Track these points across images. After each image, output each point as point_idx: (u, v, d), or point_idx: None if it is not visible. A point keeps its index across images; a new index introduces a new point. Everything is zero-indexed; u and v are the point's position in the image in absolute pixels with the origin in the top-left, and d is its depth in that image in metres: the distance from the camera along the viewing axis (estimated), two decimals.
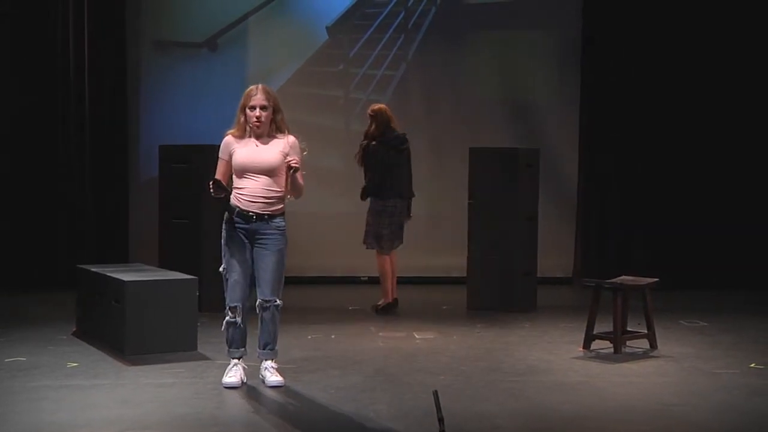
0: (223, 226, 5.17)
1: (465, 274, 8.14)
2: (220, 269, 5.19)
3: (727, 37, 9.22)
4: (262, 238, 5.13)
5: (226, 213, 5.14)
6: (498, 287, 7.81)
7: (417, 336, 6.75)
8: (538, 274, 8.13)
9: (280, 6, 9.75)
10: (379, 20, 9.75)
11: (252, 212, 5.10)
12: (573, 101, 9.52)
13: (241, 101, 5.22)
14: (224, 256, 5.17)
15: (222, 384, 5.16)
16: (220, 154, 5.23)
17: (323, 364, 5.78)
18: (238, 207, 5.11)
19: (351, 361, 5.89)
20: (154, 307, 5.99)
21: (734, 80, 9.24)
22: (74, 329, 6.72)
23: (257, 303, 5.17)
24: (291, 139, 5.21)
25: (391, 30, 9.74)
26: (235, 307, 5.15)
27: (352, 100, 9.79)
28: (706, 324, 7.24)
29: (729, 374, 5.56)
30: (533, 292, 8.00)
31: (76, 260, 7.96)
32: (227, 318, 5.18)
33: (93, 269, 6.67)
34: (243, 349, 5.28)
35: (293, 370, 5.58)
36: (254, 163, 5.11)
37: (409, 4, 9.74)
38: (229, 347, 5.26)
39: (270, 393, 5.07)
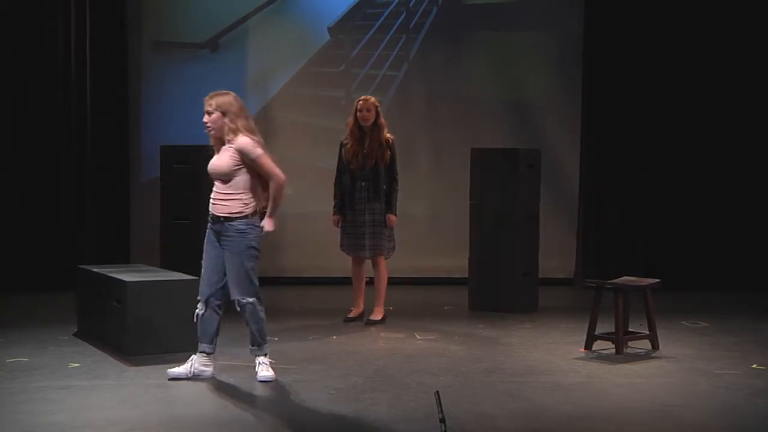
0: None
1: (466, 275, 8.14)
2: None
3: (729, 37, 9.21)
4: (223, 240, 5.30)
5: None
6: (499, 288, 7.81)
7: (418, 337, 6.75)
8: (540, 275, 8.12)
9: (281, 7, 9.75)
10: (380, 21, 9.75)
11: (213, 214, 5.32)
12: (574, 101, 9.51)
13: None
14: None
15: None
16: None
17: (324, 365, 5.77)
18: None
19: (352, 361, 5.89)
20: (155, 308, 5.99)
21: (736, 80, 9.23)
22: (75, 330, 6.72)
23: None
24: (239, 141, 5.24)
25: (392, 30, 9.74)
26: (198, 300, 5.36)
27: (353, 101, 9.73)
28: (707, 325, 7.23)
29: (730, 375, 5.56)
30: (534, 293, 8.00)
31: (78, 261, 7.96)
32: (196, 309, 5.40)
33: (94, 270, 6.67)
34: (205, 344, 5.37)
35: (294, 371, 5.58)
36: (211, 169, 5.35)
37: (411, 5, 9.74)
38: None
39: (271, 393, 5.07)
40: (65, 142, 9.13)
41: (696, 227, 9.27)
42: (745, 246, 9.25)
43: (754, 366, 5.80)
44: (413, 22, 9.73)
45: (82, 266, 7.00)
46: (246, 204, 5.26)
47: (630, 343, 6.25)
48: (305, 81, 9.72)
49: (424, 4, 9.72)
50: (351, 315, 7.30)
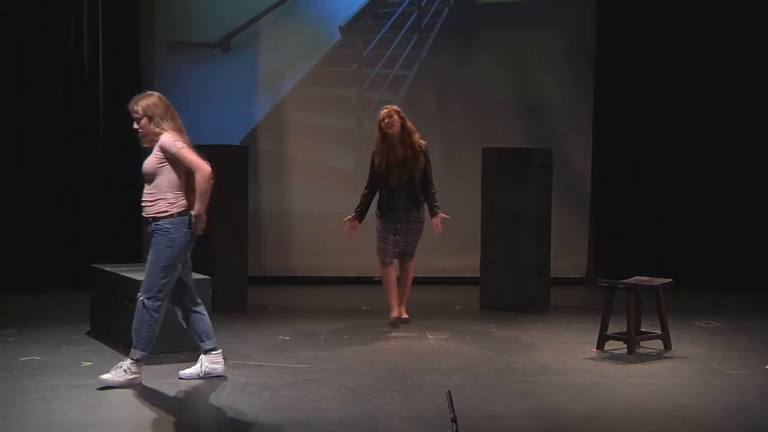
0: None
1: (478, 275, 8.13)
2: None
3: (742, 36, 9.17)
4: (152, 239, 5.26)
5: None
6: (511, 288, 7.80)
7: (430, 336, 6.75)
8: (551, 275, 8.11)
9: (292, 6, 9.77)
10: (392, 20, 9.76)
11: (143, 216, 5.26)
12: (586, 100, 9.49)
13: None
14: None
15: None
16: None
17: (336, 364, 5.78)
18: None
19: (363, 361, 5.89)
20: (167, 307, 5.99)
21: (749, 80, 9.19)
22: (88, 328, 6.75)
23: None
24: (161, 138, 5.17)
25: (404, 30, 9.75)
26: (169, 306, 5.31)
27: (365, 100, 9.81)
28: (719, 325, 7.21)
29: (742, 375, 5.54)
30: (546, 293, 7.99)
31: (90, 260, 8.00)
32: None
33: (106, 269, 6.70)
34: (202, 343, 5.34)
35: (306, 370, 5.59)
36: (142, 171, 5.26)
37: (422, 4, 9.74)
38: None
39: (283, 392, 5.07)
40: (78, 142, 9.16)
41: (708, 227, 9.24)
42: (757, 246, 9.21)
43: (767, 366, 5.77)
44: (425, 22, 9.74)
45: (94, 265, 7.03)
46: (171, 203, 5.15)
47: (642, 343, 6.23)
48: (316, 80, 9.73)
49: (436, 4, 9.73)
50: (395, 315, 7.05)
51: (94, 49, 9.16)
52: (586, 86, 9.49)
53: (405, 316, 7.20)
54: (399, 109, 7.02)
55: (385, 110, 6.99)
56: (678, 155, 9.24)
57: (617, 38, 9.33)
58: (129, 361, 5.19)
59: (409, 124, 6.98)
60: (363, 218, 7.14)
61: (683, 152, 9.24)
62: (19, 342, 6.36)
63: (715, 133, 9.22)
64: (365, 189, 7.15)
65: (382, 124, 6.93)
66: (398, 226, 7.01)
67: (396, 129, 6.92)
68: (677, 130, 9.24)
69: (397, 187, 6.97)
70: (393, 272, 7.10)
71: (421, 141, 7.03)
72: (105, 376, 5.16)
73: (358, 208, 7.14)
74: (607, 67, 9.37)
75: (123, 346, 6.09)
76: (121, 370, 5.18)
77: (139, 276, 6.15)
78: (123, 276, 6.30)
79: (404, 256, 7.10)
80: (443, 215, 7.09)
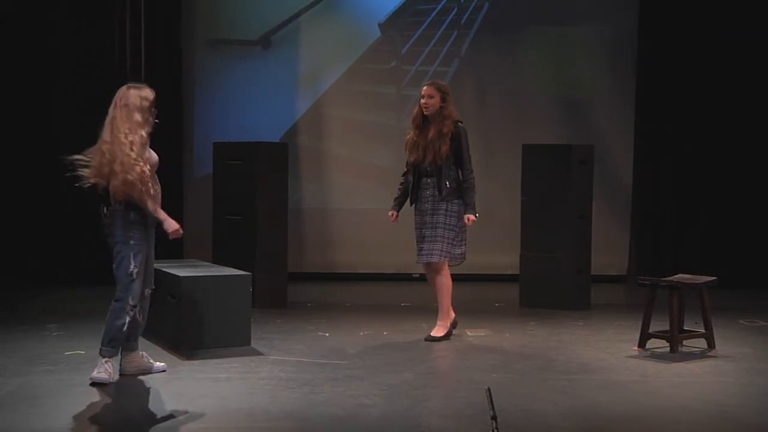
0: (138, 229, 5.28)
1: (518, 272, 8.10)
2: (133, 270, 5.21)
3: None
4: (151, 232, 5.35)
5: (134, 215, 5.30)
6: (551, 285, 7.75)
7: (469, 333, 6.73)
8: (592, 272, 8.04)
9: (332, 3, 9.79)
10: (431, 17, 9.74)
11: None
12: (628, 97, 9.41)
13: (147, 102, 5.54)
14: (140, 258, 5.22)
15: (110, 380, 5.15)
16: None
17: (375, 361, 5.79)
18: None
19: (403, 357, 5.89)
20: (208, 303, 6.06)
21: None
22: None
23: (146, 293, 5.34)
24: None
25: (443, 26, 9.73)
26: (136, 305, 5.26)
27: (404, 97, 9.79)
28: (765, 324, 7.11)
29: None
30: (587, 290, 7.93)
31: None
32: (129, 318, 5.21)
33: None
34: (134, 342, 5.43)
35: (345, 366, 5.61)
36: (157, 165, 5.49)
37: (462, 1, 9.71)
38: (126, 342, 5.30)
39: (323, 388, 5.09)
40: None
41: (752, 224, 9.11)
42: None
43: None
44: (464, 18, 9.71)
45: None
46: None
47: (685, 342, 6.16)
48: (356, 77, 9.75)
49: (476, 0, 9.69)
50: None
51: (136, 46, 9.25)
52: (628, 83, 9.39)
53: (436, 334, 6.35)
54: (443, 89, 6.28)
55: (426, 87, 6.32)
56: (721, 152, 9.12)
57: (660, 34, 9.23)
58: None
59: (449, 108, 6.24)
60: (399, 209, 6.45)
61: (726, 149, 9.11)
62: (64, 336, 6.46)
63: (761, 129, 9.08)
64: (402, 176, 6.53)
65: (421, 102, 6.29)
66: (426, 218, 6.27)
67: (432, 110, 6.23)
68: (720, 127, 9.11)
69: (424, 171, 6.25)
70: (428, 273, 6.51)
71: (459, 124, 6.25)
72: (160, 364, 5.40)
73: (395, 198, 6.49)
74: (649, 64, 9.27)
75: (165, 341, 6.17)
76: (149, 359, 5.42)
77: (181, 272, 6.22)
78: (165, 272, 6.35)
79: (426, 255, 6.25)
80: (471, 217, 6.21)
